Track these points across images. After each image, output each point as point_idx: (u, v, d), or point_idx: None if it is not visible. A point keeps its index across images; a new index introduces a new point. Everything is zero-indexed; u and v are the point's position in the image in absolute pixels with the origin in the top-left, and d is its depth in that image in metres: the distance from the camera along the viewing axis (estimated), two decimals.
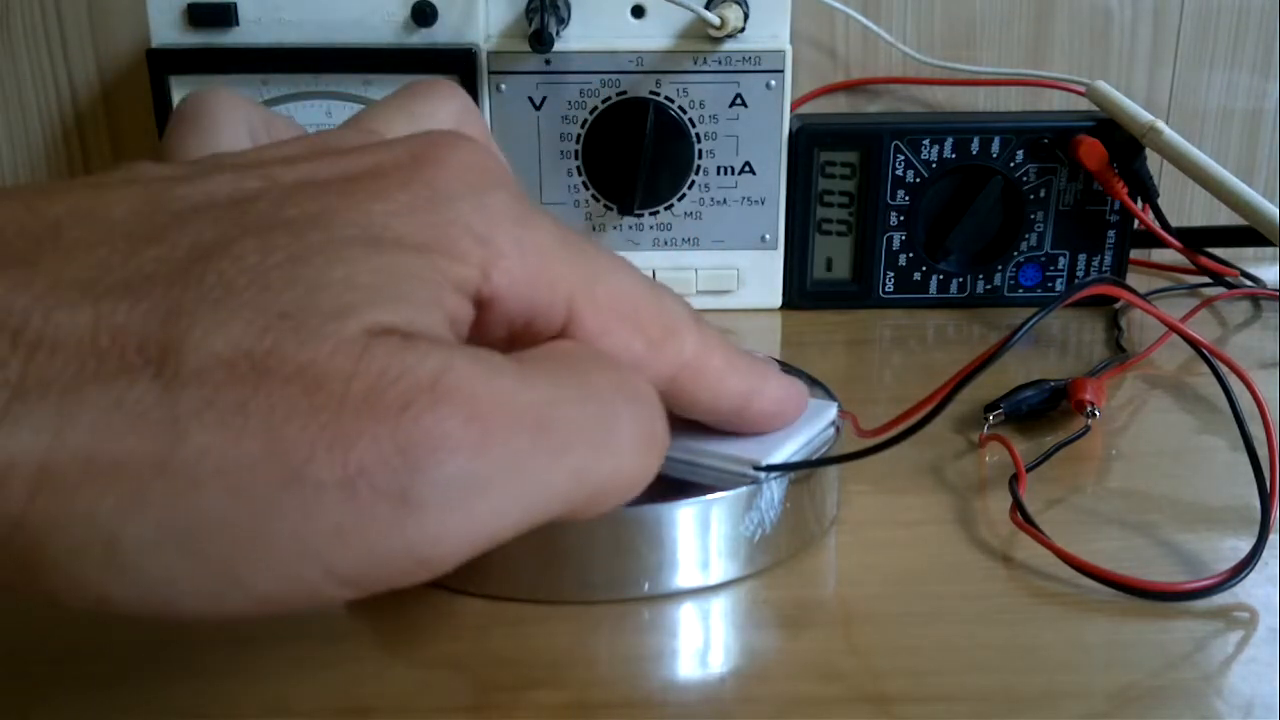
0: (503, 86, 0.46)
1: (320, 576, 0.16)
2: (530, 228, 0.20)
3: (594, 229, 0.48)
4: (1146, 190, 0.47)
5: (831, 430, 0.29)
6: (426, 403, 0.16)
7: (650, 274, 0.48)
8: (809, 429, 0.28)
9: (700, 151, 0.47)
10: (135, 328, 0.16)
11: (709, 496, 0.26)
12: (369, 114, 0.24)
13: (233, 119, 0.23)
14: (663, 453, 0.21)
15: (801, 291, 0.49)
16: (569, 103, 0.46)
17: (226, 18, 0.45)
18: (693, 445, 0.27)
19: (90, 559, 0.15)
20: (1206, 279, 0.50)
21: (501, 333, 0.20)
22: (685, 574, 0.26)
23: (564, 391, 0.18)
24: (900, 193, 0.48)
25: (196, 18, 0.45)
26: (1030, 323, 0.28)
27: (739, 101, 0.46)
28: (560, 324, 0.20)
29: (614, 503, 0.20)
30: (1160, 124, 0.46)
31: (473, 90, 0.45)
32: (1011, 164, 0.47)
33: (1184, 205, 0.57)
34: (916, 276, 0.49)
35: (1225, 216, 0.48)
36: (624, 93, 0.46)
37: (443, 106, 0.24)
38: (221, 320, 0.16)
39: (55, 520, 0.15)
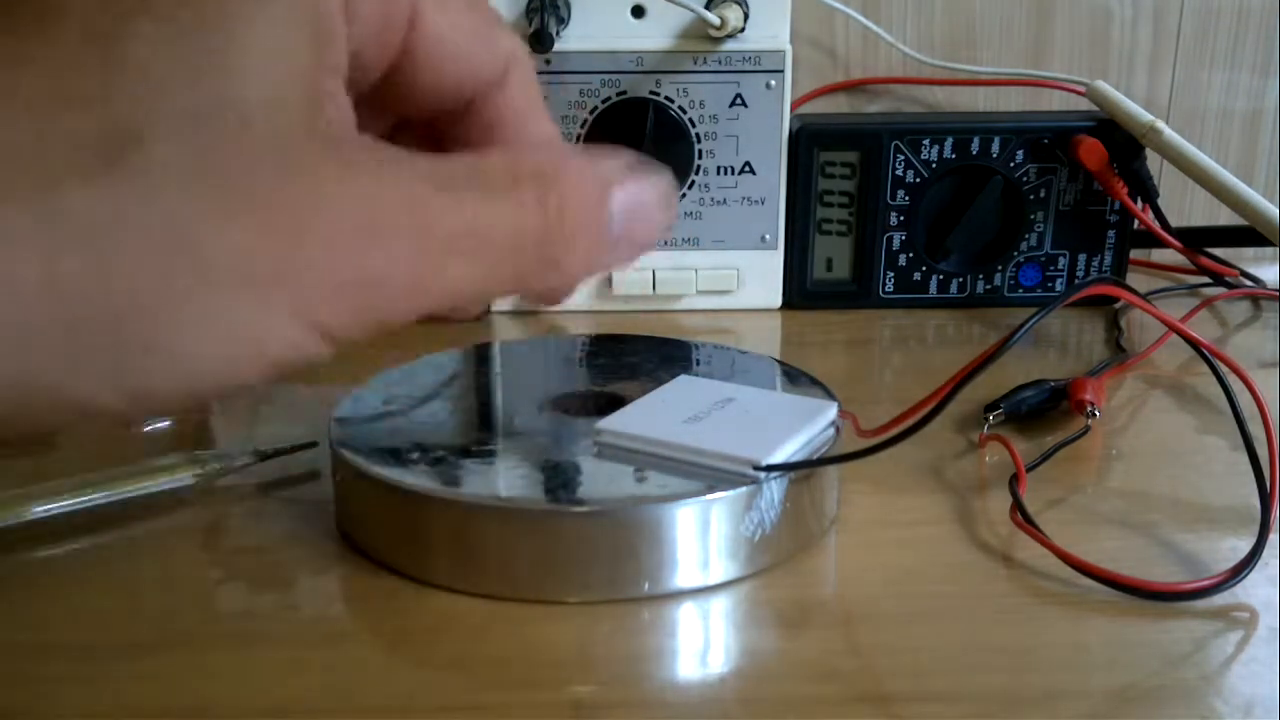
0: None
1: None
2: None
3: None
4: (1146, 190, 0.47)
5: (831, 430, 0.29)
6: None
7: (650, 275, 0.48)
8: (809, 429, 0.28)
9: (700, 151, 0.47)
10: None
11: (709, 496, 0.26)
12: None
13: None
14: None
15: (801, 291, 0.49)
16: (569, 103, 0.46)
17: None
18: (693, 445, 0.27)
19: None
20: (1206, 279, 0.50)
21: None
22: (685, 574, 0.26)
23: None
24: (900, 193, 0.48)
25: None
26: (1030, 323, 0.28)
27: (739, 101, 0.46)
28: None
29: None
30: (1160, 124, 0.46)
31: None
32: (1011, 164, 0.47)
33: (1184, 205, 0.57)
34: (916, 276, 0.49)
35: (1225, 216, 0.48)
36: (624, 93, 0.46)
37: None
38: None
39: None
